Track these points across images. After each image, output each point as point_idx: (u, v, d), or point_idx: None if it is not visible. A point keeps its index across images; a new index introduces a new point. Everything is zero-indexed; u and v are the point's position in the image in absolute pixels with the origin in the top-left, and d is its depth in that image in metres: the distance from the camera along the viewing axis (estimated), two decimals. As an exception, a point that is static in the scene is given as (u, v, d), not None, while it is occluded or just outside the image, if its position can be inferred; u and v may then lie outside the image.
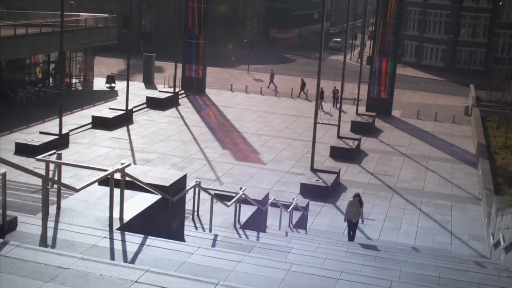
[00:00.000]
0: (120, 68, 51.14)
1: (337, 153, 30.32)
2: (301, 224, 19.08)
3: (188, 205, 11.68)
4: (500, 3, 61.65)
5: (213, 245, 9.73)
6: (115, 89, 43.72)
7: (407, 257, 13.13)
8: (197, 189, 12.58)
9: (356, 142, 31.48)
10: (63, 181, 8.12)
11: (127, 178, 8.40)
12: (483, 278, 10.46)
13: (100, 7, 58.68)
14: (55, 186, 8.35)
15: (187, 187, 10.83)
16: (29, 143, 26.39)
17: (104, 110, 35.12)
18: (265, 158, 29.64)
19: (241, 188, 14.00)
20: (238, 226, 13.02)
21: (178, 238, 9.55)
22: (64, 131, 28.37)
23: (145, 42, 61.14)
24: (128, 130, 32.87)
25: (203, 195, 13.50)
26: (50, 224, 7.66)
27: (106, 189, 8.20)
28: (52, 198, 8.21)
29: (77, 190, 7.38)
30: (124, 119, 34.07)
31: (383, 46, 41.17)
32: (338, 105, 40.25)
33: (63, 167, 9.52)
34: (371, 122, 37.31)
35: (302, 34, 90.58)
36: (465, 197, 25.99)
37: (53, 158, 8.79)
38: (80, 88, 44.40)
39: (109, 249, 7.22)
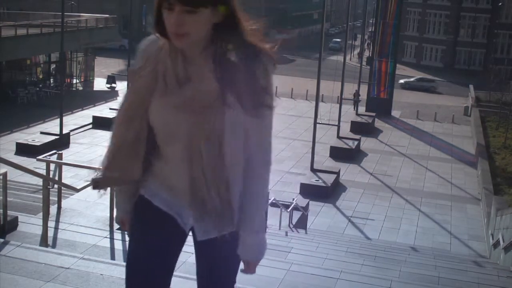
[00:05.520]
0: (120, 68, 51.17)
1: (337, 153, 30.30)
2: (301, 224, 19.09)
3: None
4: (500, 4, 61.66)
5: (213, 245, 9.72)
6: (116, 89, 43.74)
7: (407, 257, 13.15)
8: (197, 189, 12.56)
9: (356, 142, 31.48)
10: (63, 181, 8.16)
11: (127, 178, 8.42)
12: (482, 278, 10.48)
13: (101, 7, 58.66)
14: (56, 186, 8.38)
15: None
16: (29, 143, 26.37)
17: (104, 110, 35.08)
18: (265, 158, 29.58)
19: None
20: (238, 226, 13.00)
21: (178, 238, 9.56)
22: (64, 131, 28.36)
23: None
24: (128, 130, 32.83)
25: (203, 195, 13.49)
26: (51, 224, 7.69)
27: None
28: (53, 198, 8.25)
29: (77, 190, 7.42)
30: (124, 119, 34.03)
31: (382, 47, 41.20)
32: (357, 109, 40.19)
33: (64, 167, 9.55)
34: (371, 122, 37.30)
35: (302, 34, 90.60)
36: (464, 197, 26.01)
37: (54, 158, 8.82)
38: (80, 88, 44.40)
39: (110, 248, 7.25)
